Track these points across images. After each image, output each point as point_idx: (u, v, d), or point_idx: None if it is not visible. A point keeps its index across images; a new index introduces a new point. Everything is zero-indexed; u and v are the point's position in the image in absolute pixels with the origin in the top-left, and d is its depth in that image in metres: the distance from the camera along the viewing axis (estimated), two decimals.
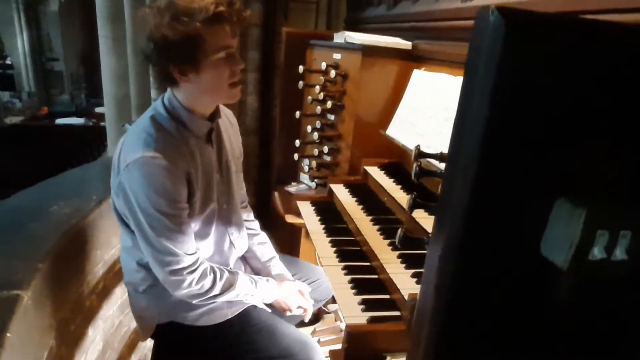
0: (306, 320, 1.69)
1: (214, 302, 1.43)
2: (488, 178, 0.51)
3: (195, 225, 1.39)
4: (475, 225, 0.53)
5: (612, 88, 0.49)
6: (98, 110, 7.84)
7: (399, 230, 0.87)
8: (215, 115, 1.40)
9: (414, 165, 0.85)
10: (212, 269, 1.40)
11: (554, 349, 0.61)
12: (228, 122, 1.56)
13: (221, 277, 1.40)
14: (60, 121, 7.83)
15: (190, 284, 1.34)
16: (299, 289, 1.61)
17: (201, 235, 1.42)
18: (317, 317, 2.19)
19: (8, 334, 1.03)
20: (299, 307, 1.59)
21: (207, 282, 1.37)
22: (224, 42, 1.23)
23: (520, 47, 0.46)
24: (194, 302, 1.40)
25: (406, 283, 1.28)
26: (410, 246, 1.22)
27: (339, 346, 1.43)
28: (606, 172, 0.52)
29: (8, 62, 8.67)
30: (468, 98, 0.51)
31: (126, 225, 1.37)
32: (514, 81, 0.47)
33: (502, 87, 0.47)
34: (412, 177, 0.84)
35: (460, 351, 0.61)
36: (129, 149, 1.26)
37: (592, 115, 0.49)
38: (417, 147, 0.94)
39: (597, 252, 0.51)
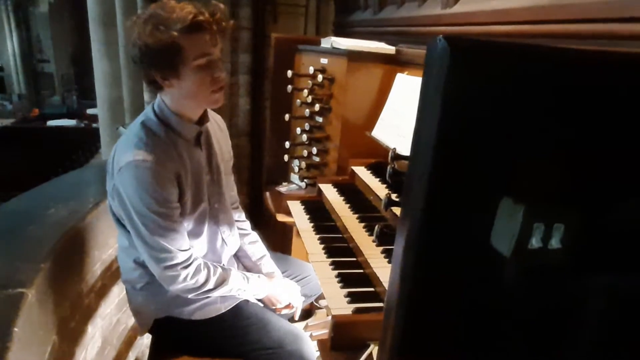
0: (296, 318, 1.74)
1: (208, 297, 1.50)
2: (441, 182, 0.59)
3: (188, 225, 1.46)
4: (432, 222, 0.62)
5: (544, 102, 0.57)
6: (89, 111, 7.83)
7: (376, 227, 0.95)
8: (203, 119, 1.48)
9: (389, 167, 0.92)
10: (206, 264, 1.47)
11: (507, 331, 0.70)
12: (217, 127, 1.63)
13: (214, 273, 1.47)
14: (51, 123, 7.81)
15: (185, 279, 1.41)
16: (289, 287, 1.68)
17: (194, 233, 1.49)
18: (309, 313, 2.24)
19: (15, 329, 1.10)
20: (288, 305, 1.66)
21: (201, 277, 1.44)
22: (202, 50, 1.30)
23: (463, 69, 0.54)
24: (189, 296, 1.47)
25: (389, 277, 1.36)
26: (389, 241, 1.30)
27: None
28: (541, 174, 0.60)
29: None
30: (423, 112, 0.59)
31: (122, 225, 1.44)
32: (458, 98, 0.55)
33: (449, 103, 0.55)
34: (387, 178, 0.92)
35: (423, 335, 0.69)
36: (121, 153, 1.34)
37: (527, 126, 0.58)
38: (393, 150, 1.02)
39: (535, 242, 0.60)
